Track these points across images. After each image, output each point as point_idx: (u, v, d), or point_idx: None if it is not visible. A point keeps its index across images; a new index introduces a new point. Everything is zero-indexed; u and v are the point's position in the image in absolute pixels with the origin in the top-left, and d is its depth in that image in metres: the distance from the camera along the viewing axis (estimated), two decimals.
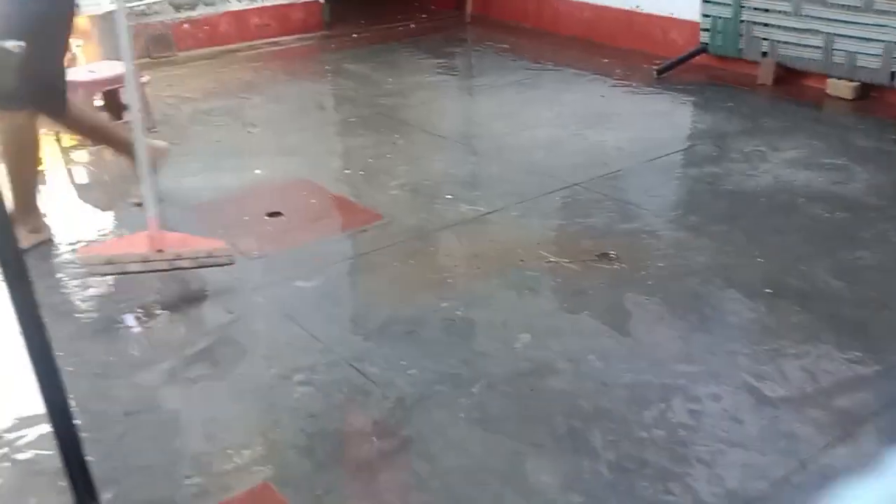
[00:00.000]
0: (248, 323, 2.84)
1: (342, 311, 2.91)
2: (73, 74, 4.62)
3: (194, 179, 4.06)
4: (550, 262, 3.22)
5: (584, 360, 2.62)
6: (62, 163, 4.38)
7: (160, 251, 2.93)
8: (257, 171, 4.18)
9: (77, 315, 2.94)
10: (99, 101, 4.73)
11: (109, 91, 4.74)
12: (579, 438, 2.26)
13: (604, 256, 3.24)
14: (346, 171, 4.17)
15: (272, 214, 3.64)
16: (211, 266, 3.01)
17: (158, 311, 2.93)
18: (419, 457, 2.20)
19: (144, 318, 2.89)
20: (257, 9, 6.59)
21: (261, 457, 2.21)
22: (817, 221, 3.48)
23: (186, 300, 3.00)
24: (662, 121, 4.77)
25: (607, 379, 2.52)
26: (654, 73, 5.50)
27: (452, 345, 2.70)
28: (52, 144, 4.58)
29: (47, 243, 3.41)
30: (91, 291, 3.07)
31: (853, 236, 3.33)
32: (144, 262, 2.91)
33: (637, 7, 6.09)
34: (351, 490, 2.10)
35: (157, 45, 6.15)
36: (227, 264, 3.03)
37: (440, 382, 2.50)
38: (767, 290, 2.97)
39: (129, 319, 2.89)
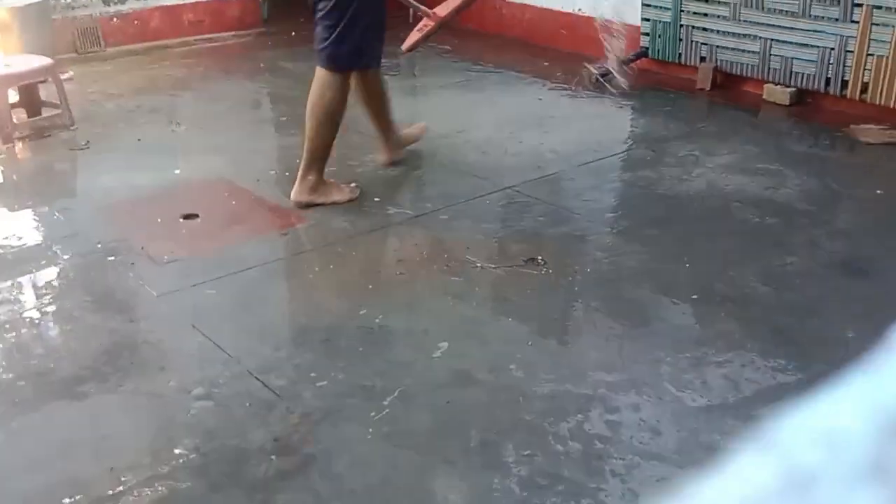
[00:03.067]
0: (149, 332, 2.67)
1: (253, 319, 2.76)
2: None
3: (109, 178, 3.87)
4: (476, 267, 3.11)
5: (504, 369, 2.51)
6: None
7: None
8: (177, 171, 3.99)
9: None
10: (14, 96, 4.50)
11: (26, 86, 4.51)
12: (492, 453, 2.15)
13: (531, 261, 3.15)
14: (272, 172, 4.02)
15: (188, 216, 3.47)
16: None
17: (53, 318, 2.75)
18: (321, 476, 2.07)
19: (38, 323, 2.71)
20: (191, 4, 6.38)
21: (150, 478, 2.05)
22: (748, 226, 3.43)
23: (85, 306, 2.82)
24: (599, 124, 4.71)
25: (527, 389, 2.41)
26: (594, 76, 5.44)
27: (368, 355, 2.57)
28: None
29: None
30: None
31: (783, 242, 3.29)
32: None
33: (578, 10, 6.04)
34: None
35: (83, 40, 5.91)
36: None
37: (351, 395, 2.37)
38: (694, 296, 2.90)
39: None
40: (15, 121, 4.37)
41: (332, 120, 3.46)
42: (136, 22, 6.15)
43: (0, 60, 4.75)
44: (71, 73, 5.42)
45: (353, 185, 3.69)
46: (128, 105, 4.95)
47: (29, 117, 4.55)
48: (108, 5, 6.03)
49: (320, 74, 3.42)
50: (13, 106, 4.43)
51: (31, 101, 4.59)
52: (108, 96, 5.11)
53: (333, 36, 3.33)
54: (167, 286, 2.94)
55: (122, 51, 6.05)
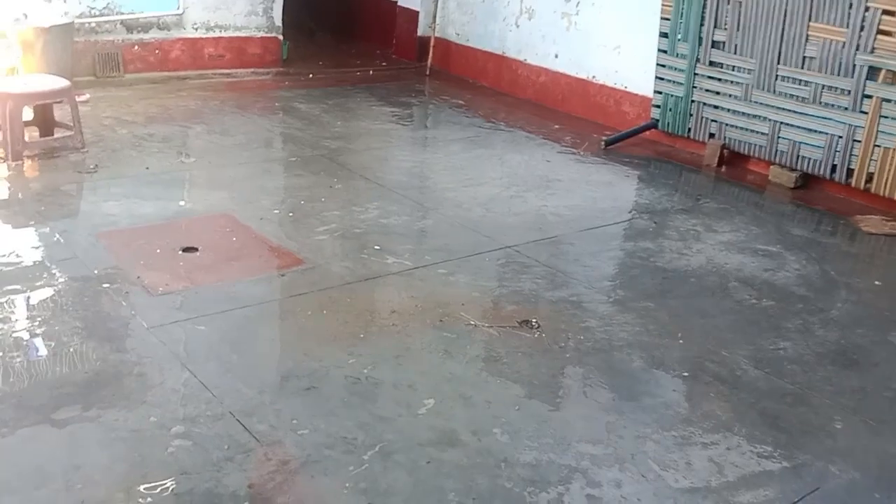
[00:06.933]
0: (136, 364, 2.65)
1: (241, 359, 2.75)
2: (4, 85, 4.46)
3: (112, 204, 3.88)
4: (470, 324, 3.10)
5: (489, 432, 2.48)
6: None
7: None
8: (181, 203, 4.02)
9: None
10: (29, 114, 4.54)
11: (41, 105, 4.57)
12: None
13: (525, 323, 3.14)
14: (275, 212, 4.04)
15: (187, 249, 3.48)
16: None
17: (41, 340, 2.74)
18: None
19: (26, 344, 2.70)
20: (213, 39, 6.49)
21: None
22: (744, 307, 3.43)
23: (75, 331, 2.81)
24: (604, 191, 4.74)
25: (510, 455, 2.39)
26: (603, 143, 5.50)
27: (352, 406, 2.55)
28: None
29: None
30: None
31: (778, 326, 3.28)
32: None
33: (592, 77, 6.13)
34: None
35: (103, 65, 5.99)
36: None
37: (331, 447, 2.35)
38: (685, 374, 2.89)
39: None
40: (27, 139, 4.41)
41: None
42: (157, 51, 6.25)
43: (19, 78, 4.82)
44: (87, 95, 5.50)
45: None
46: (140, 132, 4.99)
47: (41, 136, 4.60)
48: (132, 33, 6.13)
49: None
50: (27, 124, 4.47)
51: (44, 120, 4.64)
52: (122, 122, 5.17)
53: None
54: (159, 319, 2.93)
55: (140, 78, 6.13)
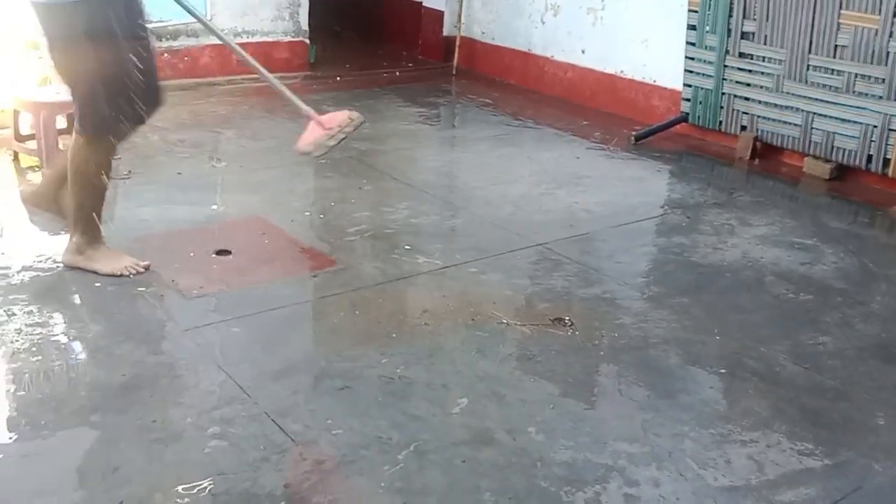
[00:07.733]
0: (171, 366, 2.68)
1: (275, 360, 2.76)
2: (38, 95, 4.53)
3: (146, 210, 3.92)
4: (503, 323, 3.08)
5: (523, 431, 2.47)
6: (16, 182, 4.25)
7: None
8: (214, 207, 4.05)
9: None
10: (62, 123, 4.61)
11: (72, 114, 4.62)
12: None
13: (559, 321, 3.12)
14: (306, 213, 4.05)
15: (221, 252, 3.50)
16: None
17: (78, 344, 2.77)
18: None
19: (64, 348, 2.73)
20: (241, 44, 6.49)
21: None
22: (781, 302, 3.37)
23: (111, 335, 2.84)
24: (635, 187, 4.69)
25: (545, 454, 2.37)
26: (632, 138, 5.45)
27: (386, 405, 2.55)
28: (8, 164, 4.47)
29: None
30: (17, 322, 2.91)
31: (816, 320, 3.23)
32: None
33: (620, 72, 6.08)
34: None
35: None
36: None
37: (366, 447, 2.35)
38: (722, 370, 2.85)
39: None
40: (61, 147, 4.47)
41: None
42: (186, 58, 6.31)
43: (52, 88, 4.89)
44: None
45: (142, 263, 3.27)
46: (171, 138, 5.05)
47: None
48: (161, 40, 6.19)
49: None
50: (60, 132, 4.53)
51: None
52: (153, 129, 5.20)
53: None
54: (193, 321, 2.95)
55: (170, 85, 6.16)
